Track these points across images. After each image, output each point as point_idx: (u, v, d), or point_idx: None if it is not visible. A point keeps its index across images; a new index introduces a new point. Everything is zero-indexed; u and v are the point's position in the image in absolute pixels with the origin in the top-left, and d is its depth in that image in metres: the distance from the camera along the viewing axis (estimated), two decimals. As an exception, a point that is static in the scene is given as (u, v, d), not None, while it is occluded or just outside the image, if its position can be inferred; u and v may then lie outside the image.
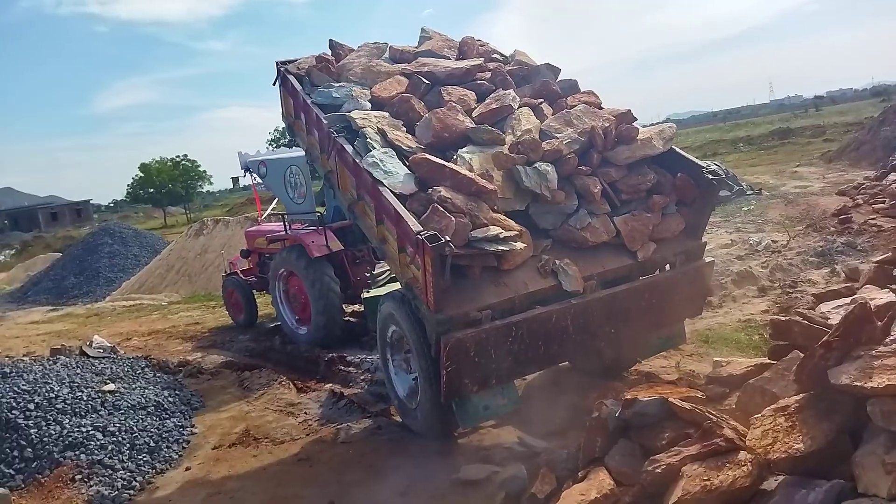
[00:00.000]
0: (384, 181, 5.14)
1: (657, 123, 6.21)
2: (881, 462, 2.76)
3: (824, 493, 2.87)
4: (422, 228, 4.63)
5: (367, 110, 5.99)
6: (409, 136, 5.74)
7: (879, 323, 3.24)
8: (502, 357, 4.85)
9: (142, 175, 57.75)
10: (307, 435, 6.35)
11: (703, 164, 5.72)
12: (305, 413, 6.88)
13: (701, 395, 4.60)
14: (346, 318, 9.63)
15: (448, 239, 4.49)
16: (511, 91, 6.21)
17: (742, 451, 3.20)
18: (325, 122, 6.07)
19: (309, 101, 6.47)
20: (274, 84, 7.39)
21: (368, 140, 5.54)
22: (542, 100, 6.34)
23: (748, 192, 17.52)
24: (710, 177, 5.52)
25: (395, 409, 6.29)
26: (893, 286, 4.66)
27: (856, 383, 2.88)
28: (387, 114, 6.00)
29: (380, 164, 5.27)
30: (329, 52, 7.29)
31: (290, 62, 7.23)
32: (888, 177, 14.76)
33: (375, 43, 7.30)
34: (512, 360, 4.92)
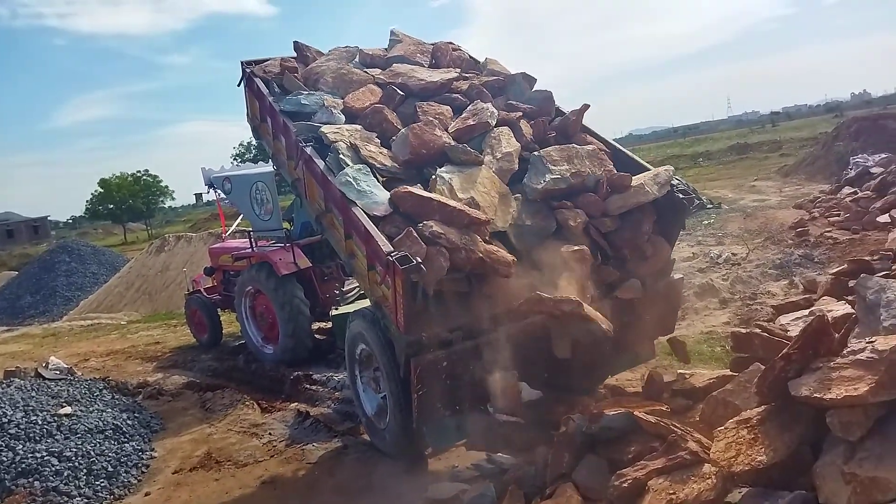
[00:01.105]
0: (357, 202, 5.02)
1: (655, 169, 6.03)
2: (840, 472, 2.80)
3: (786, 505, 2.91)
4: (392, 249, 4.55)
5: (339, 123, 5.91)
6: (384, 150, 5.67)
7: (837, 335, 3.32)
8: (475, 379, 4.76)
9: (101, 190, 56.60)
10: (272, 456, 6.22)
11: (674, 183, 5.70)
12: (270, 434, 6.75)
13: (665, 407, 4.64)
14: (314, 336, 9.52)
15: (420, 261, 4.42)
16: (489, 105, 6.12)
17: (706, 465, 3.23)
18: (293, 130, 5.98)
19: (277, 108, 6.35)
20: (238, 85, 7.27)
21: (341, 156, 5.44)
22: (520, 113, 6.29)
23: (708, 206, 17.91)
24: (681, 196, 5.54)
25: (364, 427, 6.20)
26: (850, 297, 4.78)
27: (815, 395, 2.92)
28: (359, 127, 5.91)
29: (353, 182, 5.15)
30: (293, 56, 7.22)
31: (255, 62, 7.11)
32: (842, 190, 15.23)
33: (346, 47, 7.23)
34: (485, 381, 4.78)
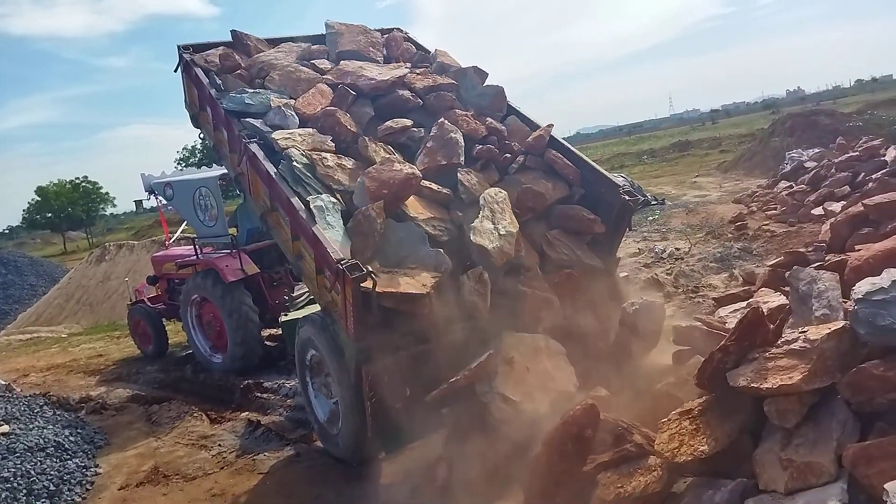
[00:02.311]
0: (323, 231, 4.80)
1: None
2: (778, 459, 2.91)
3: (729, 493, 3.00)
4: (342, 256, 4.47)
5: (293, 128, 5.80)
6: (342, 160, 5.52)
7: (772, 325, 3.44)
8: (429, 382, 4.69)
9: (38, 199, 54.47)
10: (221, 468, 6.08)
11: (620, 183, 5.78)
12: (220, 445, 6.60)
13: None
14: (264, 343, 9.36)
15: (371, 270, 4.36)
16: (453, 135, 5.76)
17: (652, 457, 3.31)
18: (235, 127, 5.85)
19: (221, 105, 6.15)
20: (175, 71, 7.06)
21: (296, 168, 5.27)
22: (487, 119, 6.23)
23: (653, 203, 18.37)
24: (627, 198, 5.63)
25: (316, 434, 6.13)
26: (786, 289, 4.96)
27: (752, 385, 3.03)
28: (312, 131, 5.78)
29: (325, 211, 4.95)
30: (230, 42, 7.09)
31: (193, 47, 6.91)
32: (778, 185, 15.77)
33: (296, 41, 7.11)
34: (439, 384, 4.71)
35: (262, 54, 6.81)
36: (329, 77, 6.52)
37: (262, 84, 6.51)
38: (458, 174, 5.61)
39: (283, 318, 7.68)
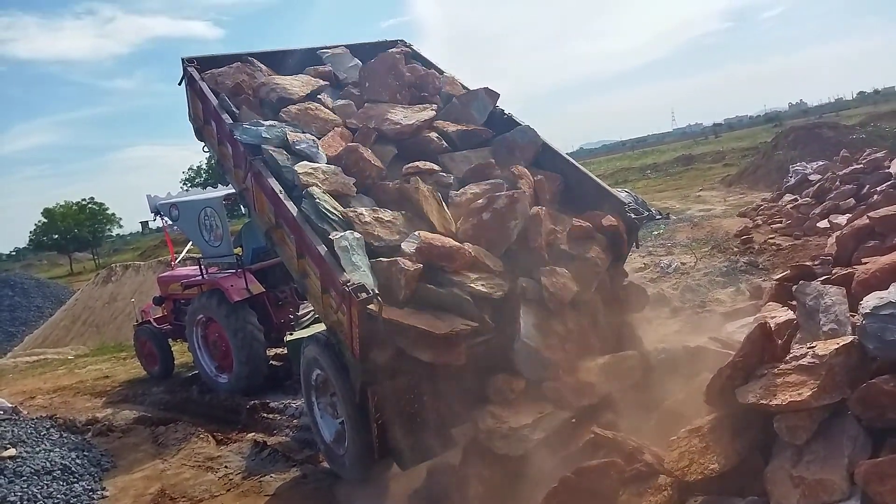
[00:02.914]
0: (346, 270, 4.53)
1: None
2: (789, 476, 2.89)
3: (740, 511, 2.97)
4: (349, 278, 4.42)
5: (321, 163, 5.59)
6: (378, 215, 5.19)
7: (780, 341, 3.42)
8: (439, 401, 4.65)
9: (45, 220, 54.73)
10: (228, 490, 6.05)
11: (626, 201, 5.75)
12: (226, 467, 6.57)
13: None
14: (270, 363, 9.33)
15: (377, 292, 4.30)
16: (514, 224, 5.16)
17: (662, 476, 3.28)
18: (242, 145, 5.82)
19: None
20: (179, 84, 7.08)
21: (318, 202, 5.05)
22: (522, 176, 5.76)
23: (657, 217, 18.24)
24: (633, 216, 5.61)
25: (322, 454, 6.10)
26: (793, 303, 4.93)
27: (762, 401, 3.01)
28: (336, 169, 5.55)
29: (350, 251, 4.68)
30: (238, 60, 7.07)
31: (198, 60, 6.92)
32: (783, 198, 15.75)
33: (317, 70, 7.04)
34: (449, 402, 4.67)
35: (273, 79, 6.74)
36: (352, 121, 6.33)
37: (275, 114, 6.37)
38: (542, 278, 5.01)
39: (288, 338, 7.68)
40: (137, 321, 11.37)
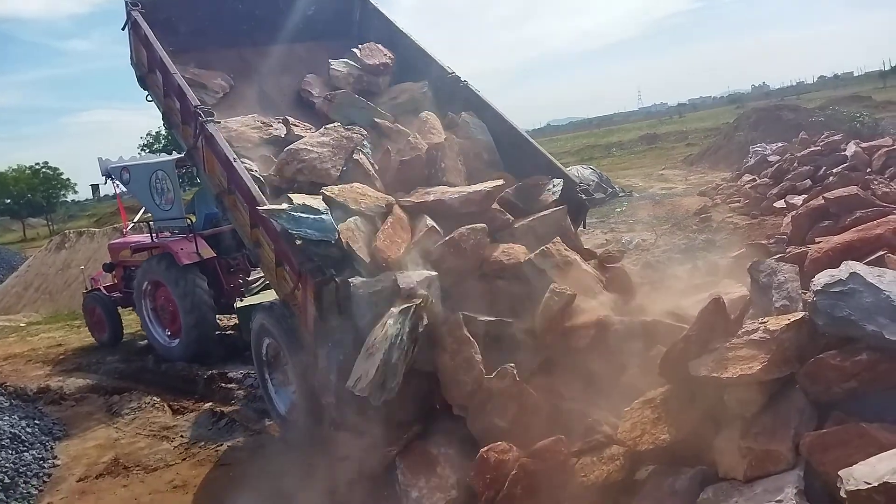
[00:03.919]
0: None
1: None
2: (737, 447, 2.96)
3: (689, 480, 3.05)
4: (305, 258, 4.35)
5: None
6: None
7: (733, 316, 3.48)
8: None
9: (-3, 184, 53.05)
10: (183, 459, 5.99)
11: (576, 179, 5.79)
12: (182, 436, 6.50)
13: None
14: (227, 332, 9.22)
15: (333, 273, 4.25)
16: None
17: (614, 446, 3.33)
18: (191, 99, 5.58)
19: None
20: (123, 29, 6.77)
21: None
22: None
23: (620, 195, 18.56)
24: (583, 196, 5.67)
25: (276, 425, 6.08)
26: (747, 280, 5.03)
27: (713, 374, 3.07)
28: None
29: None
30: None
31: (142, 3, 6.47)
32: (742, 178, 16.06)
33: (354, 130, 5.69)
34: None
35: (300, 144, 5.37)
36: (410, 199, 5.21)
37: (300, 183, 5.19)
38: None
39: (238, 304, 7.60)
40: (87, 289, 11.19)
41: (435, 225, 4.83)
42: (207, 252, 8.64)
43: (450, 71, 6.60)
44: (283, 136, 5.74)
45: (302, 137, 5.55)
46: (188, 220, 9.00)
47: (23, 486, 5.78)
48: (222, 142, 5.28)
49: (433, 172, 5.46)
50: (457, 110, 6.25)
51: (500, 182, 5.24)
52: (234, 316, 9.16)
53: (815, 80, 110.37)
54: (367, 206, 4.89)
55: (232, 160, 5.13)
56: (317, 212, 4.49)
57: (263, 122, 5.92)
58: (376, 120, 6.01)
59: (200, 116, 5.44)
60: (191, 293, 8.39)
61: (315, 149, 5.25)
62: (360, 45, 6.97)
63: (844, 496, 2.45)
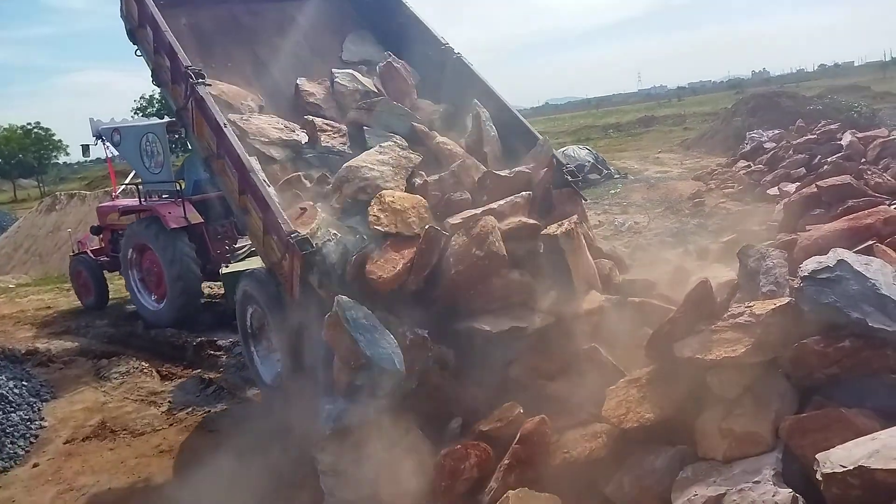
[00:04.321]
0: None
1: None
2: (718, 428, 3.00)
3: (669, 459, 3.09)
4: (294, 228, 4.40)
5: None
6: None
7: (720, 300, 3.51)
8: None
9: (-13, 144, 52.40)
10: (171, 425, 6.03)
11: (564, 161, 5.79)
12: (169, 402, 6.54)
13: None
14: (215, 300, 9.24)
15: (320, 245, 4.32)
16: None
17: (597, 424, 3.38)
18: (182, 59, 5.49)
19: (163, 29, 5.64)
20: None
21: None
22: None
23: (616, 176, 18.54)
24: (570, 178, 5.65)
25: (259, 390, 6.14)
26: (736, 265, 5.06)
27: (697, 356, 3.10)
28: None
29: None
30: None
31: None
32: (737, 164, 16.04)
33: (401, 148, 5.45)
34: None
35: (360, 162, 5.21)
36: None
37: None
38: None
39: (223, 270, 7.63)
40: (74, 251, 11.21)
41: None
42: (195, 217, 8.67)
43: (444, 42, 6.53)
44: (303, 143, 5.75)
45: (323, 139, 5.62)
46: (177, 185, 9.00)
47: (9, 446, 5.81)
48: (213, 106, 5.25)
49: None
50: (447, 83, 6.24)
51: (527, 193, 5.20)
52: (220, 283, 9.20)
53: (816, 68, 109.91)
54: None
55: (222, 125, 5.10)
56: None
57: (287, 126, 5.89)
58: (413, 125, 5.85)
59: (192, 78, 5.37)
60: (178, 260, 8.44)
61: (376, 167, 5.12)
62: (380, 66, 6.50)
63: (820, 479, 2.49)
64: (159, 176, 9.08)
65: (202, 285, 9.07)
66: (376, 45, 6.99)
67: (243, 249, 8.70)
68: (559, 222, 4.68)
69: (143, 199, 9.27)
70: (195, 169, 8.99)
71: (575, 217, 4.83)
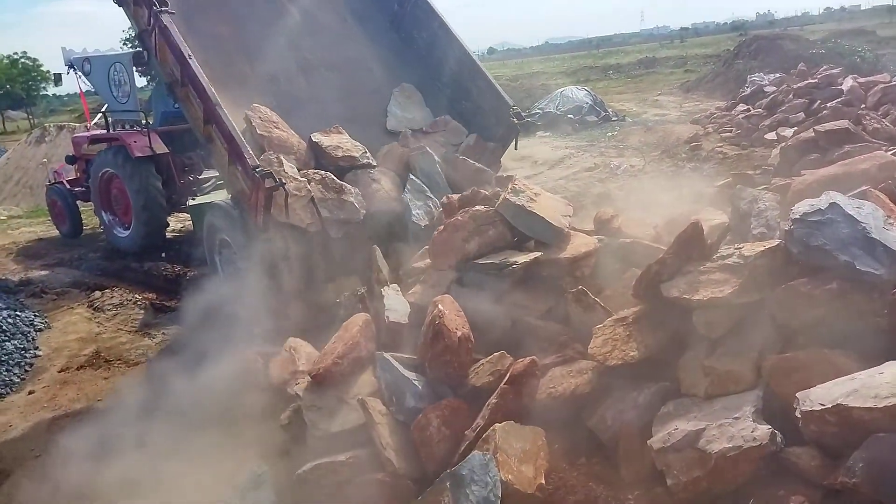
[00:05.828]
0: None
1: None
2: (701, 366, 3.05)
3: (651, 395, 3.16)
4: (259, 164, 4.55)
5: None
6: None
7: (710, 241, 3.52)
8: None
9: (-28, 74, 51.19)
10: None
11: (510, 101, 6.01)
12: (164, 333, 6.61)
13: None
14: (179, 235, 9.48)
15: (284, 182, 4.51)
16: None
17: (583, 361, 3.43)
18: None
19: None
20: None
21: None
22: None
23: (613, 119, 18.33)
24: (515, 120, 5.74)
25: None
26: (729, 209, 5.06)
27: (684, 296, 3.13)
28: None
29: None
30: None
31: None
32: (737, 108, 15.84)
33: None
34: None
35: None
36: None
37: None
38: None
39: (190, 202, 7.76)
40: (50, 181, 11.40)
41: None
42: (160, 147, 8.77)
43: None
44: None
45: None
46: (143, 115, 9.13)
47: (5, 374, 5.90)
48: (177, 35, 5.22)
49: None
50: (405, 20, 6.46)
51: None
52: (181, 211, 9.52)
53: (822, 11, 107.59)
54: None
55: (187, 56, 5.11)
56: None
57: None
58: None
59: (155, 6, 5.34)
60: (144, 189, 8.62)
61: None
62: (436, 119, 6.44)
63: (799, 416, 2.56)
64: (126, 105, 9.23)
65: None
66: (422, 106, 6.58)
67: (209, 182, 8.86)
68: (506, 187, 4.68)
69: (111, 129, 9.44)
70: (163, 100, 9.06)
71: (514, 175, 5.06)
